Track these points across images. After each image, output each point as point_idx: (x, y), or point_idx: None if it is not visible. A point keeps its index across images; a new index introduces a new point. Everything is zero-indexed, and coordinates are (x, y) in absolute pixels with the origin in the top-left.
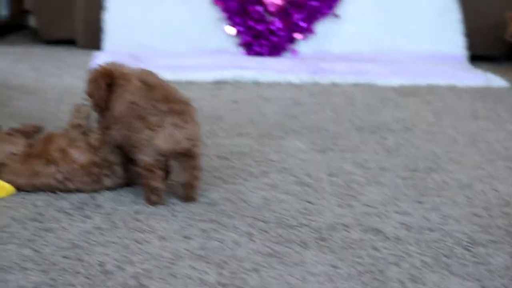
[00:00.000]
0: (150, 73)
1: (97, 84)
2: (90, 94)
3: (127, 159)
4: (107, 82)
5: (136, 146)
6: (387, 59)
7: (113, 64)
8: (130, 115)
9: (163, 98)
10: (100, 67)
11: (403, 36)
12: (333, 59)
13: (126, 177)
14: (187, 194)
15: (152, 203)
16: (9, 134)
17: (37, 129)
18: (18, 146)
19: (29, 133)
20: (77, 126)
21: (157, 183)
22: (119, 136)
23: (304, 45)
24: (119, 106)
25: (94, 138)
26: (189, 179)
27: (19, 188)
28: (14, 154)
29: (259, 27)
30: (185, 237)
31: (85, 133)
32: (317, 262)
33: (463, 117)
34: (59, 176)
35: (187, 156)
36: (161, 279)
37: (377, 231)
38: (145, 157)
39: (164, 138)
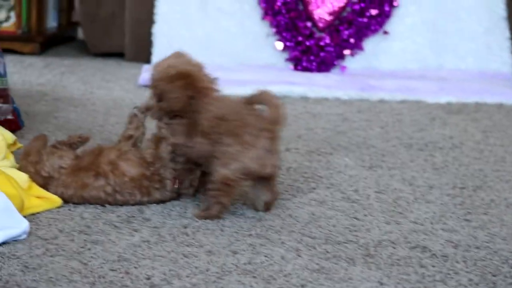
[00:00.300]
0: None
1: (173, 86)
2: (160, 96)
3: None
4: (187, 87)
5: (219, 159)
6: (434, 76)
7: (187, 61)
8: (219, 129)
9: (256, 116)
10: (176, 67)
11: (451, 53)
12: (381, 76)
13: (176, 191)
14: (268, 209)
15: (214, 217)
16: (55, 147)
17: (83, 140)
18: (65, 159)
19: (75, 144)
20: (129, 137)
21: (230, 200)
22: (200, 150)
23: (352, 61)
24: (207, 120)
25: (148, 152)
26: (272, 197)
27: (68, 200)
28: (63, 168)
29: (308, 42)
30: (233, 252)
31: (135, 144)
32: (364, 278)
33: (511, 135)
34: (108, 189)
35: (267, 179)
36: None
37: (424, 249)
38: (226, 171)
39: (254, 158)
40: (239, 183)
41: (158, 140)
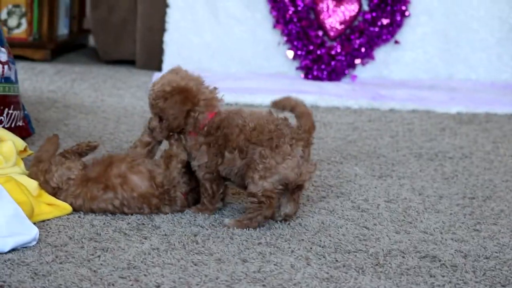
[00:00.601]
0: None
1: (171, 102)
2: (160, 115)
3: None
4: (185, 102)
5: (257, 171)
6: (445, 86)
7: (184, 76)
8: (254, 142)
9: (288, 125)
10: (173, 83)
11: (462, 63)
12: (392, 85)
13: (186, 206)
14: (285, 221)
15: (255, 227)
16: (63, 156)
17: (91, 148)
18: (73, 170)
19: (83, 152)
20: (147, 143)
21: (271, 211)
22: (231, 166)
23: (363, 71)
24: (240, 135)
25: (158, 173)
26: (292, 211)
27: (77, 210)
28: (71, 179)
29: (319, 51)
30: (243, 260)
31: (151, 151)
32: (373, 287)
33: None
34: (116, 203)
35: (298, 187)
36: None
37: (434, 258)
38: (267, 184)
39: (292, 168)
40: (279, 193)
41: (168, 157)
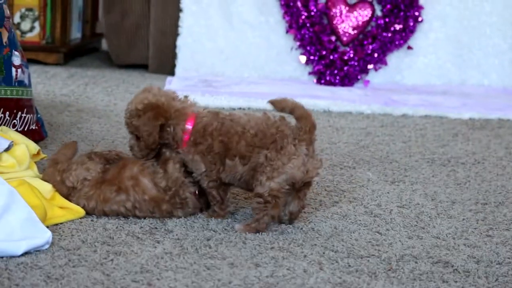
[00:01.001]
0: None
1: (144, 119)
2: (137, 134)
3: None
4: (157, 117)
5: (264, 173)
6: (458, 92)
7: (156, 93)
8: (258, 145)
9: (289, 125)
10: (144, 101)
11: (475, 69)
12: (405, 91)
13: (199, 207)
14: (291, 221)
15: (263, 230)
16: (89, 157)
17: (119, 158)
18: (91, 171)
19: (111, 160)
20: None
21: (279, 211)
22: (234, 173)
23: (376, 76)
24: (241, 141)
25: (159, 177)
26: (298, 209)
27: (89, 212)
28: (87, 180)
29: (332, 56)
30: (256, 264)
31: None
32: None
33: None
34: (129, 205)
35: (304, 185)
36: None
37: (446, 264)
38: (273, 184)
39: (298, 167)
40: (285, 193)
41: (164, 162)
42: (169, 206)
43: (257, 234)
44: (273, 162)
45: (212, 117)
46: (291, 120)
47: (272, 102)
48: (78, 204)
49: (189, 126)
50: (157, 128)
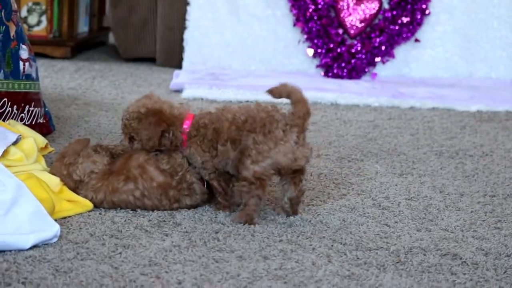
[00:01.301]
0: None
1: (145, 123)
2: (131, 137)
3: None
4: (159, 123)
5: (250, 156)
6: (465, 85)
7: (156, 100)
8: (247, 129)
9: (280, 112)
10: (147, 106)
11: (482, 61)
12: (412, 84)
13: (206, 192)
14: (293, 208)
15: (252, 213)
16: (94, 150)
17: (124, 153)
18: (98, 164)
19: (116, 154)
20: None
21: (264, 192)
22: (226, 159)
23: (383, 69)
24: (231, 126)
25: (163, 163)
26: (296, 194)
27: (97, 205)
28: (94, 172)
29: (339, 49)
30: (264, 257)
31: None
32: (394, 285)
33: None
34: (137, 193)
35: (297, 172)
36: None
37: (455, 256)
38: (257, 168)
39: (285, 153)
40: (270, 178)
41: (169, 151)
42: (176, 193)
43: (265, 226)
44: (259, 145)
45: (206, 113)
46: (286, 108)
47: (269, 91)
48: (86, 197)
49: (185, 126)
50: (158, 134)
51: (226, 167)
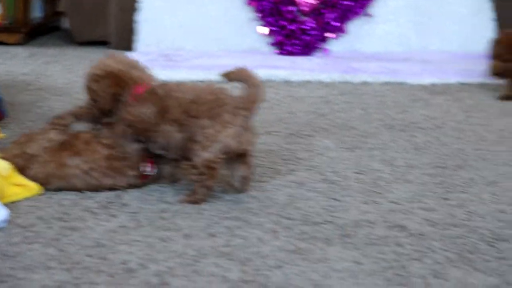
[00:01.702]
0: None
1: (100, 85)
2: (93, 96)
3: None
4: (111, 86)
5: (199, 142)
6: (418, 58)
7: (119, 60)
8: (194, 113)
9: (230, 95)
10: (106, 67)
11: (435, 35)
12: (365, 59)
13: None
14: (243, 186)
15: (201, 201)
16: (52, 125)
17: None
18: (52, 141)
19: (67, 125)
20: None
21: (215, 181)
22: (169, 139)
23: (336, 44)
24: (177, 107)
25: (104, 137)
26: (246, 172)
27: (46, 182)
28: (47, 148)
29: (292, 26)
30: (210, 234)
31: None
32: (340, 258)
33: (492, 114)
34: (85, 166)
35: (243, 155)
36: (184, 276)
37: (402, 228)
38: (208, 154)
39: (233, 136)
40: (220, 163)
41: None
42: (121, 163)
43: (213, 204)
44: (207, 130)
45: (162, 84)
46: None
47: (225, 74)
48: (36, 171)
49: (136, 93)
50: (110, 96)
51: (166, 147)
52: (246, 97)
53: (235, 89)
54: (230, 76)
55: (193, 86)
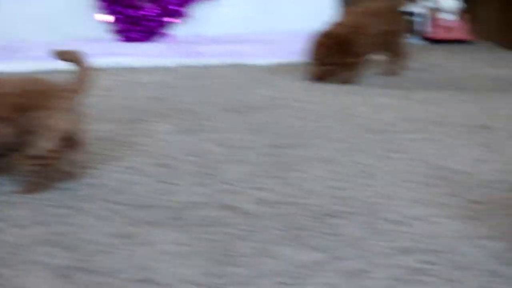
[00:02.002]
0: None
1: None
2: None
3: None
4: None
5: (34, 133)
6: (262, 40)
7: None
8: (21, 107)
9: (53, 82)
10: None
11: (278, 16)
12: (209, 42)
13: None
14: (75, 173)
15: (42, 191)
16: None
17: None
18: None
19: None
20: None
21: (53, 170)
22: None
23: (180, 29)
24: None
25: None
26: (79, 159)
27: None
28: None
29: (134, 13)
30: (39, 223)
31: None
32: (169, 241)
33: (332, 91)
34: None
35: (75, 141)
36: (12, 266)
37: (234, 208)
38: (46, 144)
39: (66, 123)
40: (58, 151)
41: None
42: None
43: (42, 193)
44: (41, 121)
45: None
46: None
47: (56, 53)
48: None
49: None
50: None
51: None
52: (75, 82)
53: (61, 77)
54: (62, 55)
55: (14, 79)
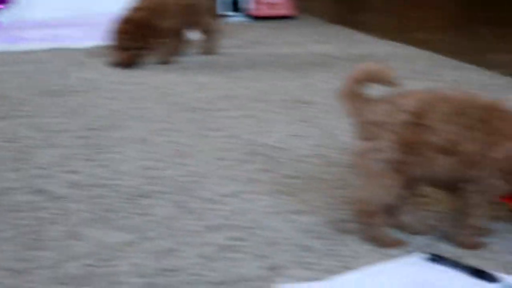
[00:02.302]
0: None
1: None
2: None
3: None
4: None
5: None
6: (82, 22)
7: None
8: None
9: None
10: None
11: None
12: (32, 27)
13: None
14: None
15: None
16: None
17: None
18: None
19: None
20: None
21: None
22: None
23: (5, 15)
24: None
25: None
26: None
27: None
28: None
29: None
30: None
31: None
32: None
33: (150, 72)
34: None
35: None
36: None
37: (44, 192)
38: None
39: None
40: None
41: None
42: None
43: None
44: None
45: None
46: None
47: None
48: None
49: None
50: None
51: None
52: None
53: None
54: None
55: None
